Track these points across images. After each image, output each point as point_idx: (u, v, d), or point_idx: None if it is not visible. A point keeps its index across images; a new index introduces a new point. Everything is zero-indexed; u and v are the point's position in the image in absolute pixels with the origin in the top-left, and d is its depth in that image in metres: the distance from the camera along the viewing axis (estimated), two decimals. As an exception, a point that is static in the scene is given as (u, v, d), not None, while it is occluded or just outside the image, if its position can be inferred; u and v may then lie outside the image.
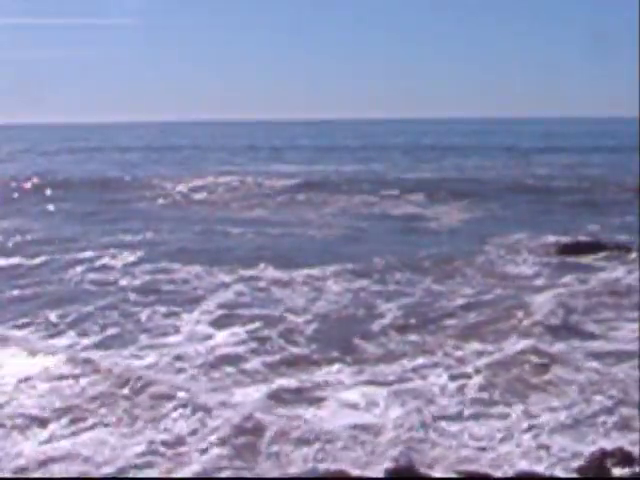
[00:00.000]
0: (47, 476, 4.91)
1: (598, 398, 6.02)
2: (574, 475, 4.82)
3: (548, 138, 56.94)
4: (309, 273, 10.87)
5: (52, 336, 8.17)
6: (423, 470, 4.86)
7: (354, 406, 6.05)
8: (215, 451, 5.19)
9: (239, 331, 8.16)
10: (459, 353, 7.32)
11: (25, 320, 8.70)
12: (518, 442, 5.29)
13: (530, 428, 5.52)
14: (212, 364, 7.12)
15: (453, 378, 6.61)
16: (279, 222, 17.02)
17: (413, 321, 8.46)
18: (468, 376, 6.66)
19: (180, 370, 6.96)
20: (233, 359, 7.28)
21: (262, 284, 10.37)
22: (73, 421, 5.76)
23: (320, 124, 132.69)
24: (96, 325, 8.54)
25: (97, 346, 7.74)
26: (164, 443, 5.32)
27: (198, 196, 22.98)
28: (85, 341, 7.94)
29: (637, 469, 4.82)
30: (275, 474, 4.91)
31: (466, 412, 5.88)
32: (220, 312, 8.97)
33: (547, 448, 5.18)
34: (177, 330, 8.30)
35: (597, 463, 4.89)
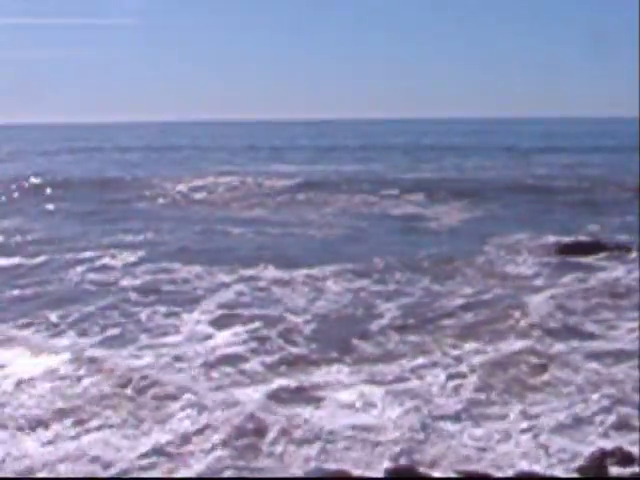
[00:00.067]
0: (53, 476, 4.91)
1: (598, 398, 6.02)
2: (574, 475, 4.83)
3: (548, 138, 56.92)
4: (309, 273, 10.89)
5: (53, 336, 8.18)
6: (423, 470, 4.87)
7: (354, 406, 6.06)
8: (217, 451, 5.20)
9: (239, 331, 8.17)
10: (458, 353, 7.32)
11: (26, 320, 8.71)
12: (518, 442, 5.30)
13: (529, 428, 5.53)
14: (212, 364, 7.13)
15: (452, 378, 6.62)
16: (279, 222, 17.03)
17: (413, 321, 8.47)
18: (468, 376, 6.67)
19: (180, 370, 6.97)
20: (234, 359, 7.29)
21: (262, 284, 10.39)
22: (77, 422, 5.77)
23: (320, 124, 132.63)
24: (97, 325, 8.55)
25: (98, 346, 7.75)
26: (166, 443, 5.33)
27: (198, 196, 22.98)
28: (86, 341, 7.95)
29: (637, 469, 4.83)
30: (276, 474, 4.92)
31: (466, 412, 5.89)
32: (220, 312, 8.98)
33: (547, 448, 5.19)
34: (177, 330, 8.31)
35: (597, 463, 4.90)
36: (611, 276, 10.51)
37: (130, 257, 12.43)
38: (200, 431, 5.52)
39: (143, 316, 8.88)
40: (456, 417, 5.79)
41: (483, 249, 12.62)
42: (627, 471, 4.82)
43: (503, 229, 14.66)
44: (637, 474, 4.78)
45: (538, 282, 10.28)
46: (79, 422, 5.76)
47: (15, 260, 12.44)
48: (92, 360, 7.15)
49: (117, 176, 28.80)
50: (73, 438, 5.48)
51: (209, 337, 8.03)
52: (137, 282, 10.65)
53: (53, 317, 8.84)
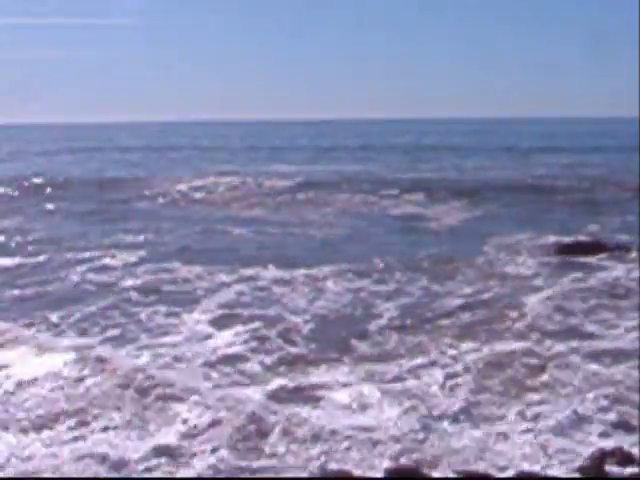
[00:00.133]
0: (57, 476, 4.92)
1: (598, 398, 6.02)
2: (574, 475, 4.83)
3: (548, 138, 56.93)
4: (309, 273, 10.90)
5: (55, 336, 8.18)
6: (423, 470, 4.88)
7: (354, 406, 6.07)
8: (219, 451, 5.21)
9: (240, 331, 8.18)
10: (457, 353, 7.33)
11: (27, 320, 8.71)
12: (517, 442, 5.30)
13: (529, 428, 5.53)
14: (213, 364, 7.14)
15: (452, 378, 6.63)
16: (279, 222, 17.04)
17: (412, 321, 8.48)
18: (467, 376, 6.67)
19: (181, 370, 6.97)
20: (234, 359, 7.30)
21: (262, 284, 10.39)
22: (80, 422, 5.76)
23: (320, 124, 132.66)
24: (98, 325, 8.55)
25: (99, 346, 7.75)
26: (168, 443, 5.33)
27: (198, 196, 22.99)
28: (87, 341, 7.95)
29: (637, 469, 4.83)
30: (277, 474, 4.93)
31: (465, 412, 5.89)
32: (221, 312, 8.99)
33: (546, 448, 5.19)
34: (178, 330, 8.32)
35: (597, 463, 4.90)
36: (611, 276, 10.52)
37: (130, 257, 12.44)
38: (202, 431, 5.53)
39: (144, 316, 8.88)
40: (456, 417, 5.79)
41: (483, 249, 12.62)
42: (627, 471, 4.82)
43: (503, 229, 14.66)
44: (637, 474, 4.78)
45: (538, 282, 10.28)
46: (82, 422, 5.75)
47: (15, 260, 12.44)
48: (94, 360, 7.15)
49: (117, 176, 28.81)
50: (77, 439, 5.47)
51: (209, 337, 8.04)
52: (137, 282, 10.66)
53: (54, 317, 8.84)
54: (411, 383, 6.55)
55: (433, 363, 7.05)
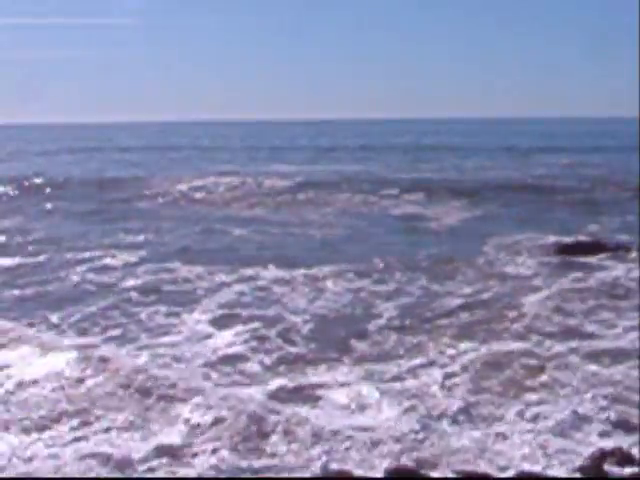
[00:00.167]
0: (59, 476, 4.92)
1: (597, 398, 6.03)
2: (574, 475, 4.84)
3: (548, 138, 56.93)
4: (309, 273, 10.90)
5: (55, 336, 8.18)
6: (423, 470, 4.88)
7: (354, 406, 6.07)
8: (220, 451, 5.21)
9: (240, 331, 8.19)
10: (457, 353, 7.33)
11: (28, 320, 8.72)
12: (517, 442, 5.30)
13: (529, 428, 5.54)
14: (213, 364, 7.14)
15: (451, 378, 6.63)
16: (279, 222, 17.05)
17: (412, 321, 8.49)
18: (467, 376, 6.68)
19: (181, 370, 6.97)
20: (235, 359, 7.31)
21: (262, 284, 10.40)
22: (82, 422, 5.76)
23: (320, 124, 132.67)
24: (98, 325, 8.55)
25: (100, 346, 7.76)
26: (169, 443, 5.33)
27: (198, 196, 22.99)
28: (87, 341, 7.95)
29: (637, 469, 4.83)
30: (278, 474, 4.93)
31: (465, 412, 5.89)
32: (221, 312, 9.00)
33: (546, 448, 5.19)
34: (178, 330, 8.32)
35: (596, 463, 4.90)
36: (611, 276, 10.52)
37: (130, 257, 12.45)
38: (203, 431, 5.53)
39: (144, 316, 8.89)
40: (455, 417, 5.80)
41: (483, 249, 12.63)
42: (627, 471, 4.83)
43: (503, 229, 14.67)
44: (637, 474, 4.78)
45: (538, 282, 10.28)
46: (84, 423, 5.75)
47: (15, 260, 12.44)
48: (95, 360, 7.15)
49: (117, 176, 28.81)
50: (79, 439, 5.47)
51: (209, 337, 8.05)
52: (138, 282, 10.67)
53: (54, 317, 8.84)
54: (410, 383, 6.55)
55: (433, 363, 7.06)
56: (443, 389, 6.39)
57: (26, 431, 5.60)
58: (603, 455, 4.96)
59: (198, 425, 5.63)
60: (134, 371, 6.81)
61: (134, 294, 9.95)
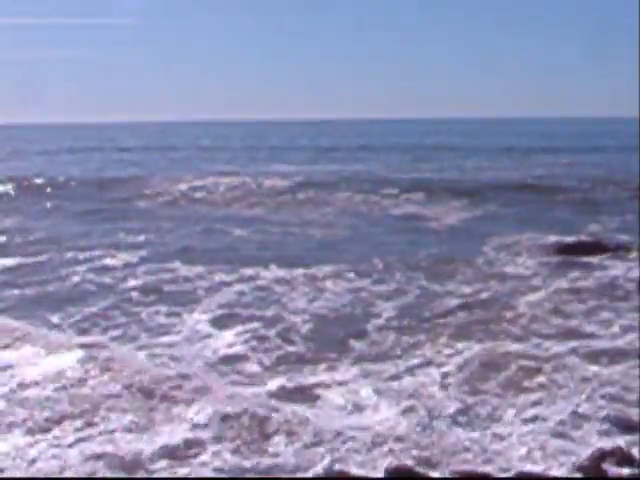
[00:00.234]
0: (61, 476, 4.92)
1: (597, 398, 6.04)
2: (573, 475, 4.84)
3: (548, 138, 56.94)
4: (309, 272, 10.91)
5: (56, 337, 8.17)
6: (423, 470, 4.89)
7: (353, 406, 6.08)
8: (222, 451, 5.22)
9: (240, 331, 8.20)
10: (456, 353, 7.34)
11: (28, 320, 8.71)
12: (516, 442, 5.31)
13: (528, 428, 5.54)
14: (214, 363, 7.15)
15: (451, 377, 6.64)
16: (279, 222, 17.05)
17: (411, 321, 8.49)
18: (466, 376, 6.69)
19: (182, 370, 6.97)
20: (235, 358, 7.32)
21: (262, 283, 10.41)
22: (86, 423, 5.75)
23: (320, 124, 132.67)
24: (98, 325, 8.56)
25: (100, 346, 7.75)
26: (173, 443, 5.33)
27: (198, 195, 23.00)
28: (88, 341, 7.95)
29: (637, 469, 4.84)
30: (279, 474, 4.94)
31: (464, 412, 5.90)
32: (221, 312, 9.01)
33: (545, 448, 5.20)
34: (178, 330, 8.33)
35: (596, 463, 4.91)
36: (610, 276, 10.52)
37: (131, 257, 12.46)
38: (201, 430, 5.53)
39: (144, 316, 8.90)
40: (454, 417, 5.80)
41: (482, 249, 12.63)
42: (626, 471, 4.83)
43: (503, 229, 14.67)
44: (637, 474, 4.79)
45: (537, 282, 10.29)
46: (88, 423, 5.74)
47: (16, 260, 12.45)
48: (98, 360, 7.15)
49: (117, 176, 28.81)
50: (83, 439, 5.47)
51: (209, 337, 8.05)
52: (138, 282, 10.67)
53: (55, 317, 8.85)
54: (409, 383, 6.55)
55: (432, 363, 7.06)
56: (442, 389, 6.40)
57: (30, 432, 5.59)
58: (602, 455, 4.96)
59: (200, 425, 5.63)
60: (137, 371, 6.81)
61: (134, 294, 9.96)
